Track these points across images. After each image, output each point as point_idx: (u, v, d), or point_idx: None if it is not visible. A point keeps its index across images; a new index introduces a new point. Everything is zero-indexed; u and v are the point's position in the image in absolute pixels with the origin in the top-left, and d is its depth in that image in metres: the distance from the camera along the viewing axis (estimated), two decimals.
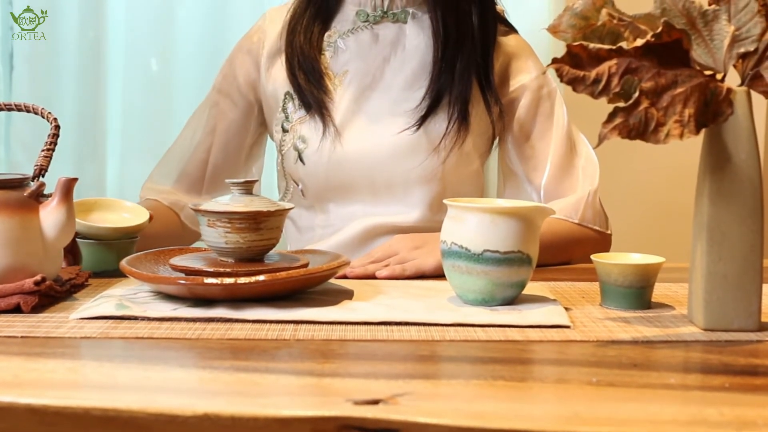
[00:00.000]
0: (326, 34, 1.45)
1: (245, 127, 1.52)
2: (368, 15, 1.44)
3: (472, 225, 0.97)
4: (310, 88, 1.41)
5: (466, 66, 1.39)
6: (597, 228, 1.38)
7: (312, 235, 1.45)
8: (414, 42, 1.43)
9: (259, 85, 1.49)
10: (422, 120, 1.38)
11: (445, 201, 1.01)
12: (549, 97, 1.44)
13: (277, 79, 1.45)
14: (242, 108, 1.51)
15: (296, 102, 1.43)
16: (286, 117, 1.43)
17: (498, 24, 1.45)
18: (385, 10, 1.43)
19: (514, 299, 1.00)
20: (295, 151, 1.42)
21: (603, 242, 1.39)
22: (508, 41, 1.46)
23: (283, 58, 1.45)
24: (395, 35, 1.43)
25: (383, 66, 1.43)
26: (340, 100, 1.41)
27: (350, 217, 1.42)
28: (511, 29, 1.48)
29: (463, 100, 1.39)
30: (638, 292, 0.99)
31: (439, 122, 1.39)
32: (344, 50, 1.44)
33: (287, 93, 1.44)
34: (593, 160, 1.42)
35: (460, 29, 1.40)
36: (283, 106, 1.44)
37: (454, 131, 1.39)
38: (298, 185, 1.44)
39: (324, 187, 1.42)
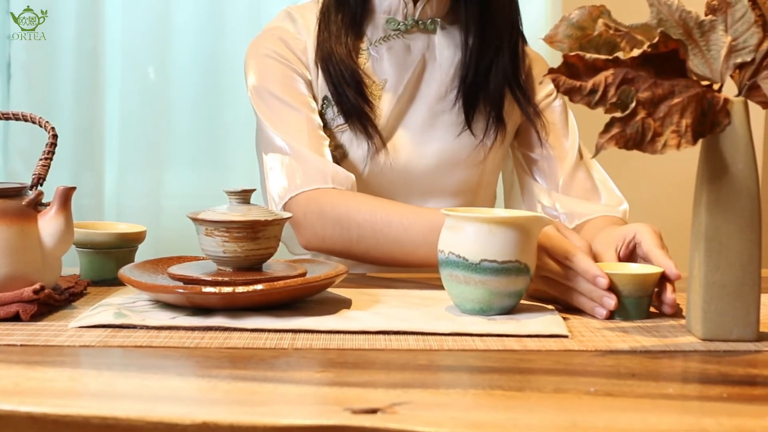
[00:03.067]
0: (358, 41, 1.42)
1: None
2: (399, 23, 1.42)
3: (470, 235, 0.97)
4: (354, 96, 1.37)
5: (497, 75, 1.40)
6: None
7: None
8: (444, 53, 1.42)
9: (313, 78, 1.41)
10: (461, 130, 1.40)
11: (442, 210, 1.02)
12: (565, 104, 1.48)
13: (319, 81, 1.40)
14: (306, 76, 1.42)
15: (335, 108, 1.39)
16: (324, 123, 1.39)
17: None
18: (416, 19, 1.42)
19: (512, 309, 1.00)
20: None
21: None
22: (526, 50, 1.48)
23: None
24: (426, 45, 1.43)
25: (418, 77, 1.42)
26: (381, 110, 1.39)
27: None
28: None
29: (498, 107, 1.40)
30: (636, 302, 0.99)
31: (478, 132, 1.40)
32: (378, 59, 1.41)
33: (325, 97, 1.40)
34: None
35: (487, 39, 1.40)
36: (322, 110, 1.40)
37: (492, 134, 1.40)
38: None
39: None
